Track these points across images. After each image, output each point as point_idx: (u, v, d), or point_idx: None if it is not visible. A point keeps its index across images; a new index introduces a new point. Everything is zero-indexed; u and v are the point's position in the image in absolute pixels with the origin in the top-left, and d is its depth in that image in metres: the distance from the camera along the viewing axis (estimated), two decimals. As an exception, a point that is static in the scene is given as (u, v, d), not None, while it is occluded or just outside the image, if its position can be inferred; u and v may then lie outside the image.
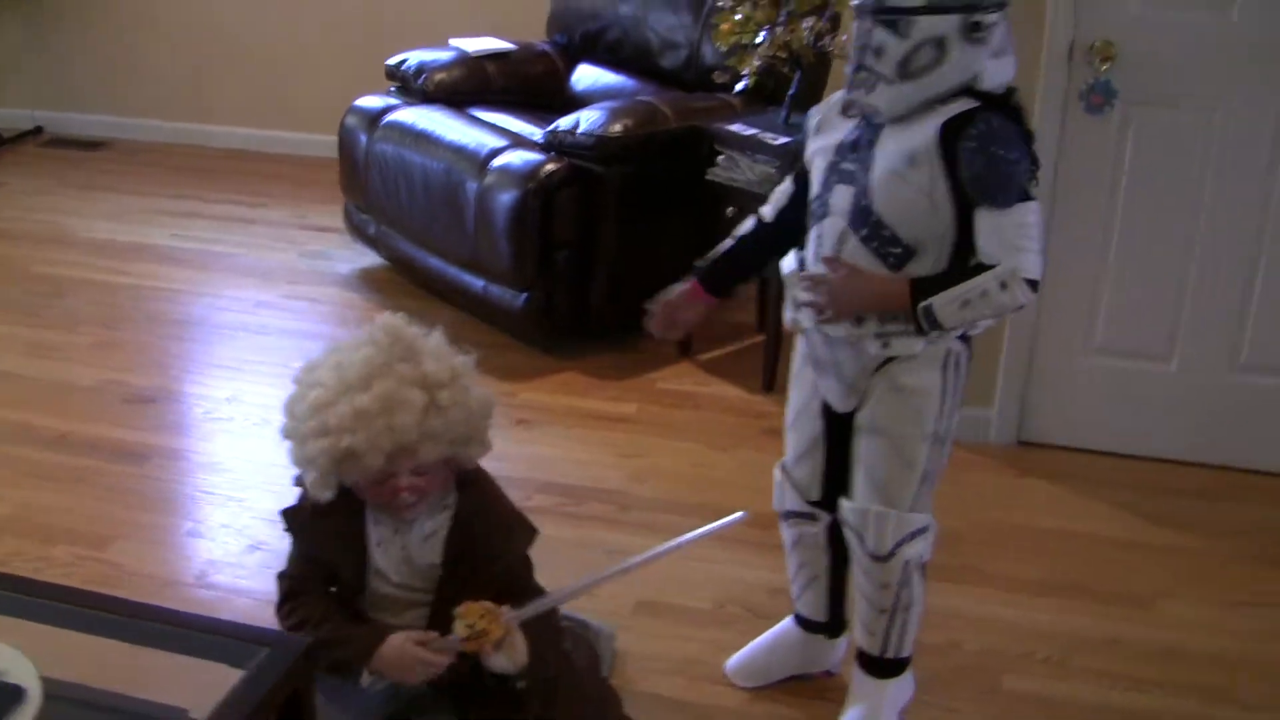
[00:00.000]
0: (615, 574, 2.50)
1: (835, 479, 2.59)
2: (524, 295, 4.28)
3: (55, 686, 1.96)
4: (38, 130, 6.86)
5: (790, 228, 2.54)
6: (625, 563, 2.48)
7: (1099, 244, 3.65)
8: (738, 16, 3.96)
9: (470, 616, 2.26)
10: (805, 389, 2.60)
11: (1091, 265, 3.68)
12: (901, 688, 2.70)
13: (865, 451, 2.49)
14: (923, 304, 2.26)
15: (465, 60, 5.06)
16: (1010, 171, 2.24)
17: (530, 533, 2.52)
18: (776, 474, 2.73)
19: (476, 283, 4.46)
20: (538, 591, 2.48)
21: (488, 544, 2.44)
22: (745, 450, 3.64)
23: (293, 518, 2.48)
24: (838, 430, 2.55)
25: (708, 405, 4.13)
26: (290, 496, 2.50)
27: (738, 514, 2.48)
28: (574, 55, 5.22)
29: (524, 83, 5.12)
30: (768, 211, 2.64)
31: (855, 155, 2.35)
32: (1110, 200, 3.61)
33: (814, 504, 2.66)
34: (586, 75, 5.08)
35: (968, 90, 2.27)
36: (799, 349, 2.62)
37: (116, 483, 3.63)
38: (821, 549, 2.72)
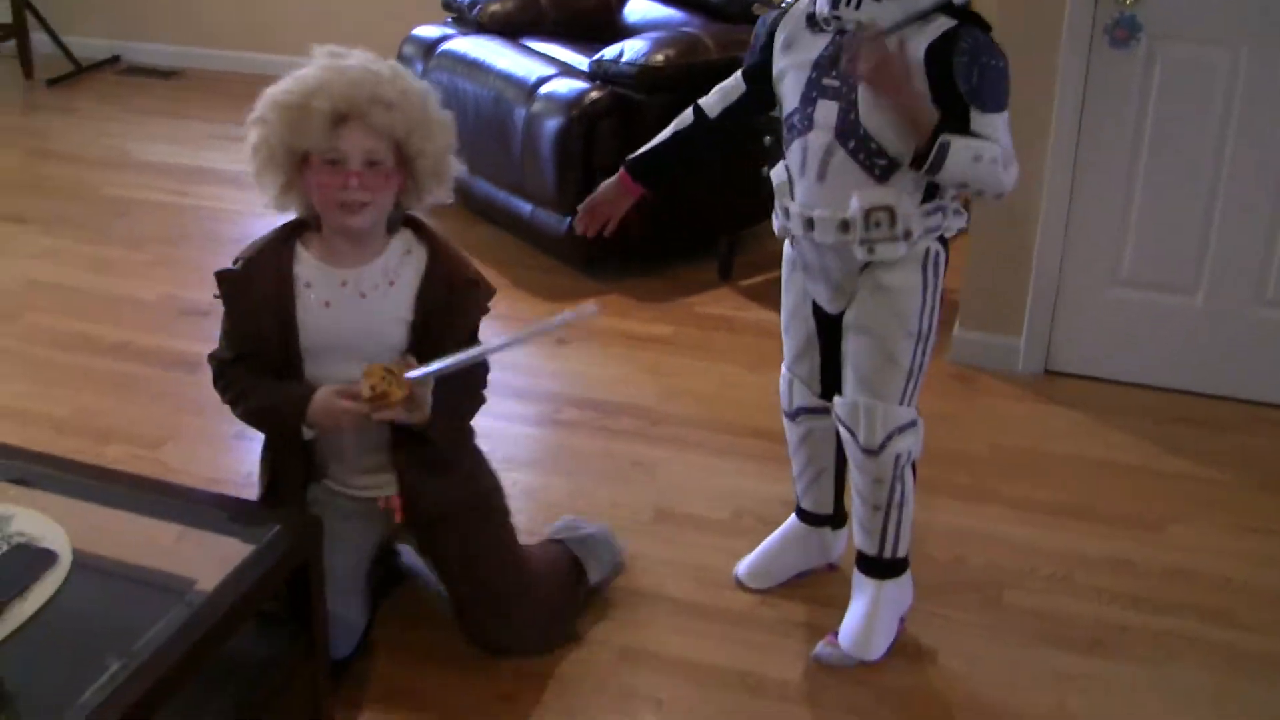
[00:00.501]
0: (485, 351, 2.49)
1: (832, 376, 2.71)
2: (568, 220, 4.39)
3: (79, 556, 2.12)
4: (115, 59, 7.05)
5: (732, 128, 2.65)
6: (490, 344, 2.50)
7: (1125, 177, 3.70)
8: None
9: (373, 378, 2.32)
10: (795, 293, 2.72)
11: (1118, 198, 3.72)
12: (901, 589, 2.79)
13: (853, 350, 2.59)
14: (943, 138, 2.32)
15: (520, -9, 5.15)
16: (1000, 78, 2.34)
17: (490, 291, 2.58)
18: (783, 375, 2.84)
19: (524, 207, 4.59)
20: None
21: (461, 297, 2.51)
22: (775, 371, 3.74)
23: (224, 278, 2.48)
24: (829, 330, 2.67)
25: (743, 329, 4.23)
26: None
27: (589, 307, 2.55)
28: (622, -14, 5.30)
29: (576, 15, 5.21)
30: (712, 107, 2.71)
31: (838, 70, 2.41)
32: (1136, 135, 3.65)
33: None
34: (637, 8, 5.16)
35: (940, 7, 2.35)
36: (786, 255, 2.73)
37: (170, 389, 3.81)
38: (830, 442, 2.82)
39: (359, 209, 2.36)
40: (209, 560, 2.15)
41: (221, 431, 3.59)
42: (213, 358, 2.56)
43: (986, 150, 2.35)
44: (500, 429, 3.52)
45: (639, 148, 2.83)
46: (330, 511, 2.50)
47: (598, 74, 4.39)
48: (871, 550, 2.74)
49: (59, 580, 2.04)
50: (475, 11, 5.06)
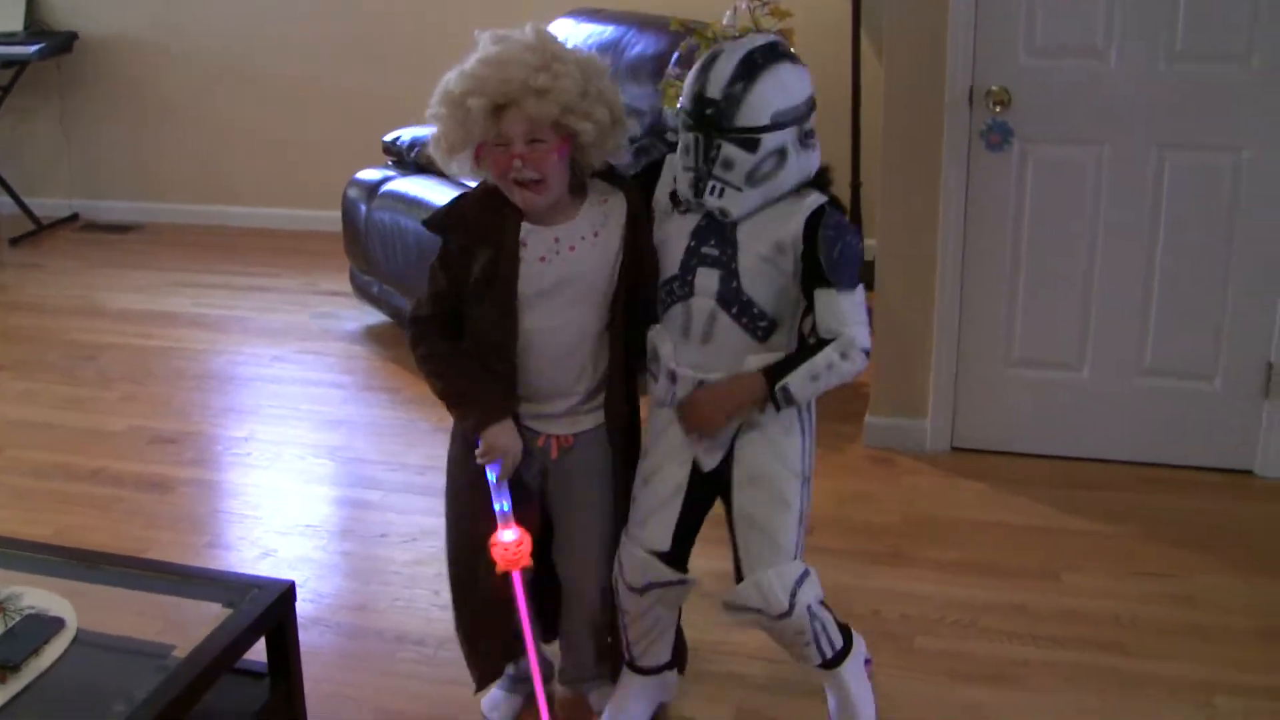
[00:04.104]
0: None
1: (684, 536, 2.77)
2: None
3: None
4: (74, 217, 7.41)
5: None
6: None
7: (1010, 267, 4.09)
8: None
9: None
10: (666, 447, 2.74)
11: (1004, 286, 4.12)
12: (854, 659, 2.91)
13: (746, 503, 2.69)
14: (779, 385, 2.55)
15: (454, 134, 5.55)
16: (854, 257, 2.57)
17: None
18: (626, 554, 2.79)
19: (467, 329, 4.93)
20: None
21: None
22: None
23: (440, 216, 2.70)
24: (699, 487, 2.74)
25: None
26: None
27: None
28: (554, 125, 5.70)
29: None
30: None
31: (716, 242, 2.60)
32: (1016, 227, 4.05)
33: (664, 558, 2.76)
34: (565, 142, 5.57)
35: (815, 182, 2.61)
36: (658, 416, 2.77)
37: (144, 508, 4.10)
38: (677, 601, 2.87)
39: (533, 186, 2.54)
40: (190, 625, 2.45)
41: (193, 543, 3.89)
42: (415, 320, 2.72)
43: (820, 362, 2.55)
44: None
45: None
46: None
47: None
48: (817, 661, 2.82)
49: (67, 642, 2.33)
50: (413, 154, 5.46)
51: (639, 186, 2.71)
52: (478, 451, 2.64)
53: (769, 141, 2.51)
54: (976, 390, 4.26)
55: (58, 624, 2.38)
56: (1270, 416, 4.04)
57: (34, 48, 6.81)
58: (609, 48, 5.42)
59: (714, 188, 2.53)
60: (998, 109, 3.89)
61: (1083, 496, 4.03)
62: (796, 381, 2.56)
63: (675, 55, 4.76)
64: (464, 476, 2.77)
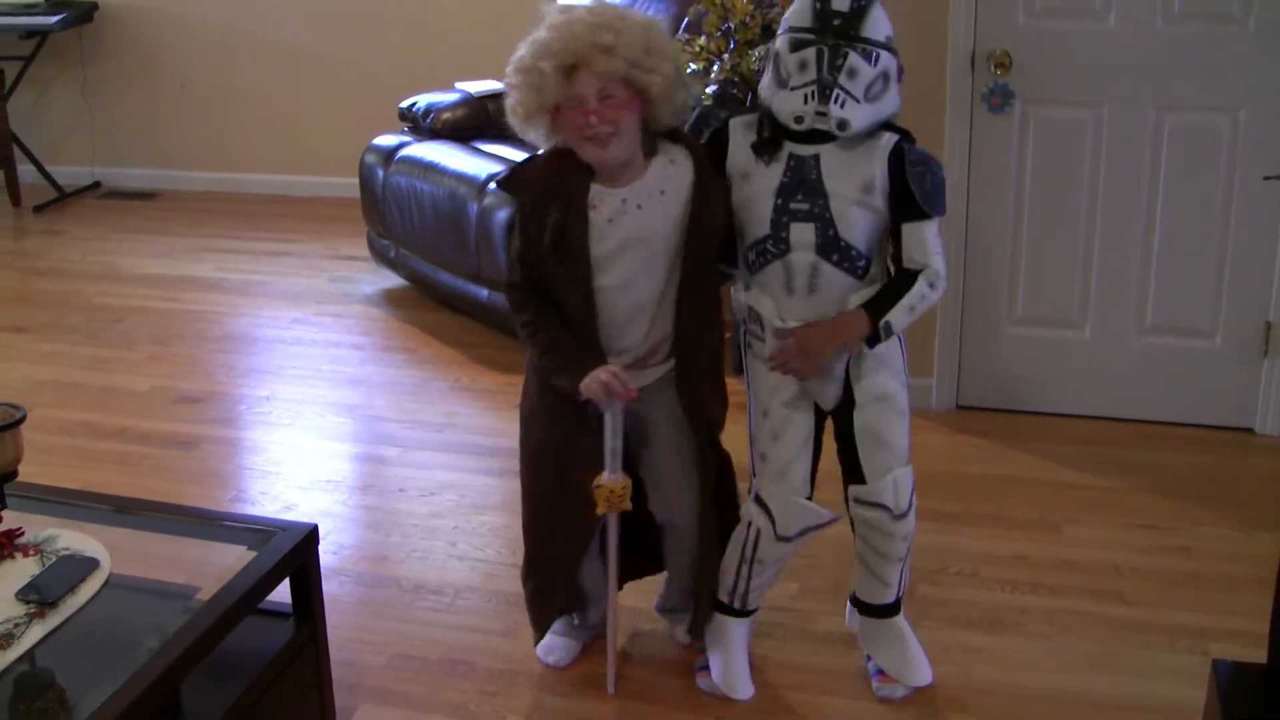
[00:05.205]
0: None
1: (815, 474, 2.93)
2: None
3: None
4: (96, 185, 7.54)
5: None
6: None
7: (1012, 227, 4.18)
8: (696, 48, 4.52)
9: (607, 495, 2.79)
10: (788, 399, 2.85)
11: (1007, 246, 4.20)
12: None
13: (873, 421, 2.83)
14: (882, 322, 2.69)
15: (468, 100, 5.67)
16: (942, 184, 2.73)
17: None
18: (777, 505, 2.89)
19: (481, 292, 5.04)
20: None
21: (722, 184, 2.77)
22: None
23: (512, 176, 2.83)
24: (818, 425, 2.90)
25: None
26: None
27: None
28: (567, 92, 5.79)
29: (522, 118, 5.69)
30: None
31: (803, 196, 2.68)
32: (1018, 188, 4.14)
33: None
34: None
35: (885, 124, 2.70)
36: (769, 374, 2.85)
37: (169, 464, 4.22)
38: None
39: (607, 140, 2.63)
40: (215, 569, 2.56)
41: (217, 497, 4.00)
42: (510, 287, 2.85)
43: (915, 295, 2.71)
44: (466, 480, 4.01)
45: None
46: None
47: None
48: (890, 598, 3.01)
49: (101, 581, 2.45)
50: (428, 121, 5.56)
51: (709, 155, 2.80)
52: (592, 394, 2.72)
53: (883, 60, 2.62)
54: (980, 349, 4.34)
55: (92, 564, 2.48)
56: (1269, 375, 4.12)
57: (55, 18, 6.92)
58: (621, 14, 5.50)
59: (838, 97, 2.60)
60: (999, 71, 3.97)
61: (1085, 452, 4.12)
62: (897, 316, 2.71)
63: (685, 20, 4.83)
64: (543, 428, 2.89)
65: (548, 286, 2.78)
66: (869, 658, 3.11)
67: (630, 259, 2.73)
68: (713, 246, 2.79)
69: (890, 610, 3.04)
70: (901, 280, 2.75)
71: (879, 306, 2.71)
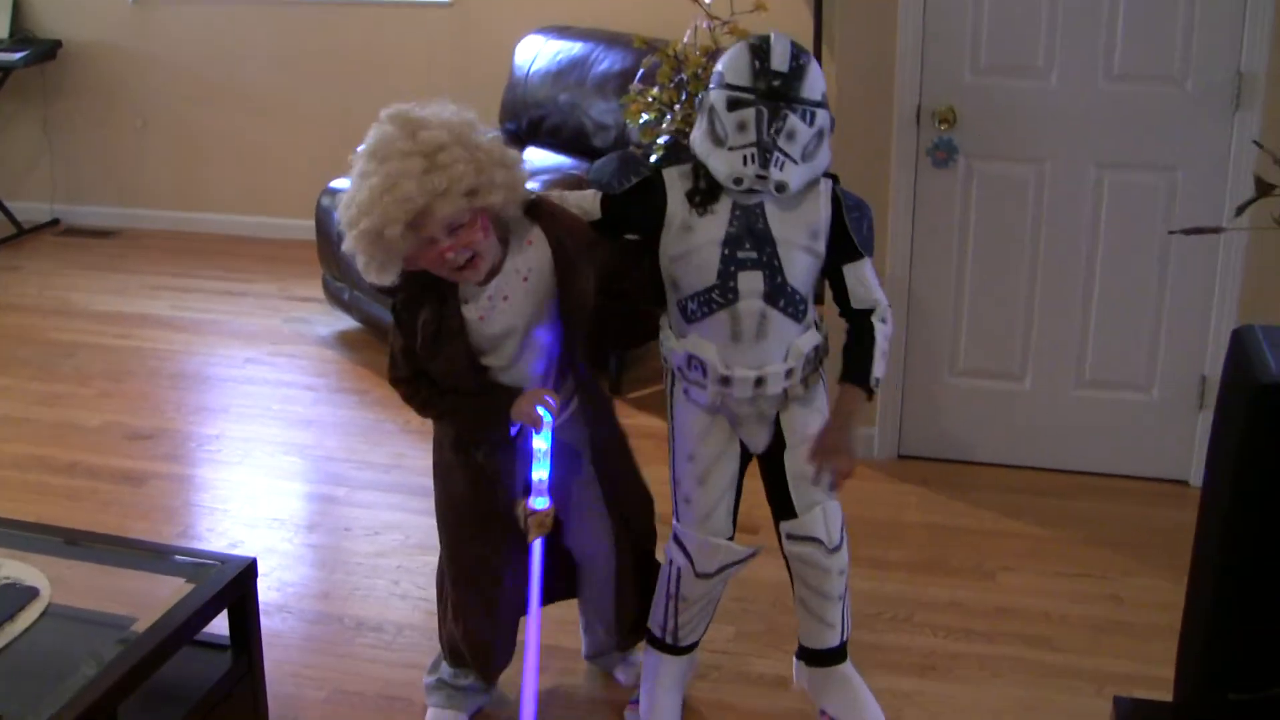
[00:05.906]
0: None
1: (736, 511, 2.99)
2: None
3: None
4: (55, 221, 7.55)
5: None
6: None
7: (955, 279, 4.26)
8: (649, 98, 4.59)
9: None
10: (716, 445, 2.91)
11: (950, 298, 4.29)
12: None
13: (801, 461, 2.87)
14: (872, 381, 2.84)
15: (426, 145, 5.71)
16: (872, 229, 2.86)
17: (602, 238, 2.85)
18: (695, 547, 2.95)
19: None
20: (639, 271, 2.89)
21: (587, 246, 2.77)
22: (657, 467, 4.27)
23: (396, 306, 2.77)
24: (743, 470, 2.98)
25: (630, 433, 4.71)
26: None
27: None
28: (523, 139, 5.86)
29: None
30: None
31: (751, 244, 2.73)
32: (961, 241, 4.22)
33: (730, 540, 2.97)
34: (533, 157, 5.72)
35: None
36: (698, 418, 2.91)
37: (118, 499, 4.25)
38: (737, 572, 3.05)
39: (474, 263, 2.62)
40: (153, 600, 2.60)
41: (165, 533, 4.03)
42: (396, 381, 2.83)
43: (880, 340, 2.85)
44: (412, 520, 4.07)
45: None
46: None
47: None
48: (835, 640, 3.03)
49: (40, 609, 2.48)
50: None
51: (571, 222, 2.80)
52: (525, 417, 2.74)
53: (819, 118, 2.69)
54: (922, 399, 4.42)
55: (32, 593, 2.52)
56: (1204, 428, 4.19)
57: (19, 54, 6.95)
58: (577, 64, 5.60)
59: (778, 160, 2.65)
60: (944, 127, 4.06)
61: (1023, 502, 4.19)
62: (878, 367, 2.85)
63: (640, 72, 4.91)
64: (462, 481, 2.92)
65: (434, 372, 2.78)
66: (823, 712, 3.10)
67: (511, 343, 2.75)
68: (587, 315, 2.79)
69: (837, 656, 3.07)
70: (861, 331, 2.86)
71: (861, 370, 2.84)
